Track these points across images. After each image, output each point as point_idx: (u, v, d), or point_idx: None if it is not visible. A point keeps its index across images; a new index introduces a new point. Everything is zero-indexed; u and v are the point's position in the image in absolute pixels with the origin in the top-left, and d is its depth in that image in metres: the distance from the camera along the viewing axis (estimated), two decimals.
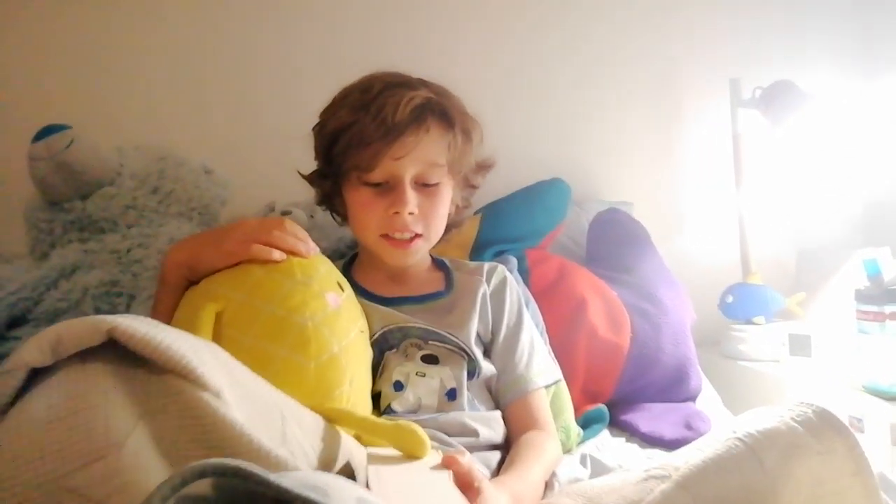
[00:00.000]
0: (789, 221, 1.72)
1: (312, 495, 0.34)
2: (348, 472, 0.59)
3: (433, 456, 0.63)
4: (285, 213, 1.29)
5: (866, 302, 1.15)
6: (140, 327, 0.48)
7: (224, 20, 1.47)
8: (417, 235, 0.91)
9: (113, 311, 1.02)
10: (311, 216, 1.31)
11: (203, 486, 0.35)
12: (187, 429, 0.46)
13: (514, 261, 1.21)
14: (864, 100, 1.66)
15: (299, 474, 0.45)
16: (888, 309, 1.12)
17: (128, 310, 1.02)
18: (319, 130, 0.94)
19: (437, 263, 1.04)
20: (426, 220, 0.91)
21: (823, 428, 0.62)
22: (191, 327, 0.64)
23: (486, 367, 0.92)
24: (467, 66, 1.54)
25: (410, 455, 0.61)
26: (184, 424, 0.46)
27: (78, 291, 1.03)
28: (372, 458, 0.60)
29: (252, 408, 0.52)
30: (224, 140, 1.44)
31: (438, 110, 0.90)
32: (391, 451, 0.63)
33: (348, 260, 1.04)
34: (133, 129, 1.38)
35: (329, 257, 1.24)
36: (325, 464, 0.58)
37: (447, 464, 0.66)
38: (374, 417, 0.65)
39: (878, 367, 1.14)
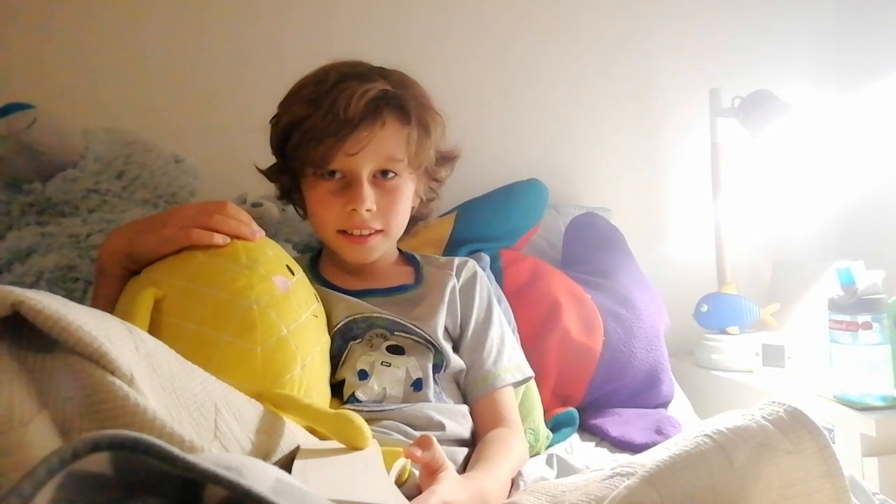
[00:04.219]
0: (765, 232, 1.72)
1: (224, 473, 0.31)
2: (287, 465, 0.56)
3: (373, 447, 0.61)
4: (256, 206, 1.26)
5: (839, 311, 1.14)
6: (50, 304, 0.44)
7: (204, 4, 1.45)
8: (376, 231, 0.89)
9: (69, 296, 0.98)
10: (283, 209, 1.28)
11: (99, 462, 0.31)
12: (94, 416, 0.42)
13: (486, 258, 1.19)
14: (841, 111, 1.68)
15: (212, 455, 0.42)
16: (860, 319, 1.11)
17: (84, 295, 0.99)
18: (275, 124, 0.91)
19: (407, 258, 1.01)
20: (385, 216, 0.89)
21: (794, 427, 0.60)
22: (127, 315, 0.61)
23: (455, 361, 0.89)
24: (447, 66, 1.53)
25: (351, 445, 0.59)
26: (91, 411, 0.43)
27: (32, 275, 0.99)
28: (302, 453, 0.58)
29: (178, 401, 0.50)
30: (198, 129, 1.41)
31: (395, 103, 0.87)
32: (328, 445, 0.60)
33: (315, 254, 1.01)
34: (105, 114, 1.34)
35: (300, 251, 1.23)
36: (263, 456, 0.55)
37: (409, 455, 0.64)
38: (317, 406, 0.63)
39: (849, 378, 1.13)
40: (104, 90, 1.39)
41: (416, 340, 0.87)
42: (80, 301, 0.99)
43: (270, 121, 0.92)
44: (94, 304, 0.75)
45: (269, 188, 1.26)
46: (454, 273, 0.96)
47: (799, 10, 1.75)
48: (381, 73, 0.90)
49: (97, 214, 1.07)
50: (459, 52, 1.56)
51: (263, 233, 0.78)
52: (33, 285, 0.98)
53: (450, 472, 0.66)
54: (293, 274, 0.76)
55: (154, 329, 0.63)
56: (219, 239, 0.72)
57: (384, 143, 0.86)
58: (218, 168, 1.31)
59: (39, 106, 1.10)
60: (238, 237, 0.74)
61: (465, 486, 0.68)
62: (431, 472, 0.65)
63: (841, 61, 1.74)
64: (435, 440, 0.66)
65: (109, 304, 0.72)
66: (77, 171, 1.09)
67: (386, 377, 0.83)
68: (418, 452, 0.64)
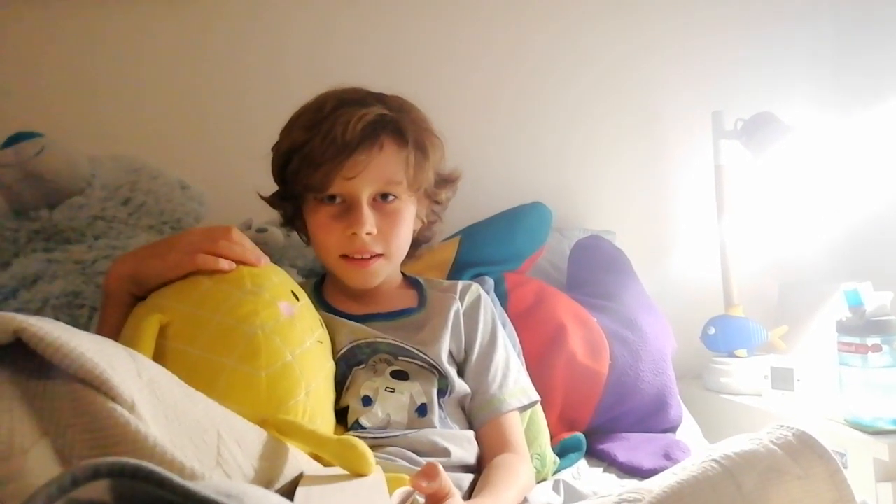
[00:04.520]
0: (771, 253, 1.71)
1: (224, 500, 0.31)
2: (291, 492, 0.55)
3: (377, 474, 0.60)
4: (261, 231, 1.26)
5: (848, 333, 1.12)
6: (52, 331, 0.44)
7: (209, 31, 1.47)
8: (378, 255, 0.89)
9: (74, 323, 0.98)
10: (288, 234, 1.28)
11: (99, 490, 0.30)
12: (95, 443, 0.42)
13: (490, 281, 1.19)
14: (843, 132, 1.68)
15: (213, 482, 0.42)
16: (870, 341, 1.10)
17: (89, 321, 0.99)
18: (276, 150, 0.92)
19: (410, 281, 1.01)
20: (386, 239, 0.89)
21: (804, 451, 0.59)
22: (132, 341, 0.61)
23: (460, 386, 0.89)
24: (450, 89, 1.54)
25: (354, 472, 0.58)
26: (92, 438, 0.42)
27: (38, 302, 0.99)
28: (305, 480, 0.57)
29: (180, 428, 0.49)
30: (203, 155, 1.42)
31: (392, 126, 0.88)
32: (332, 471, 0.60)
33: (319, 280, 1.01)
34: (111, 141, 1.35)
35: (305, 276, 1.23)
36: (266, 484, 0.55)
37: (415, 486, 0.63)
38: (321, 432, 0.62)
39: (859, 401, 1.12)
40: (110, 118, 1.41)
41: (420, 365, 0.87)
42: (86, 327, 0.99)
43: (272, 148, 0.93)
44: (100, 330, 0.75)
45: (274, 214, 1.27)
46: (458, 297, 0.96)
47: (799, 33, 1.76)
48: (379, 98, 0.91)
49: (103, 241, 1.08)
50: (462, 75, 1.58)
51: (268, 259, 0.78)
52: (39, 311, 0.99)
53: (456, 499, 0.65)
54: (298, 299, 0.76)
55: (159, 355, 0.63)
56: (224, 264, 0.72)
57: (382, 166, 0.86)
58: (223, 194, 1.31)
59: (47, 134, 1.11)
60: (243, 263, 0.74)
61: None
62: (437, 500, 0.64)
63: (841, 83, 1.74)
64: (441, 468, 0.65)
65: (115, 329, 0.72)
66: (83, 199, 1.10)
67: (390, 403, 0.83)
68: (424, 483, 0.63)
